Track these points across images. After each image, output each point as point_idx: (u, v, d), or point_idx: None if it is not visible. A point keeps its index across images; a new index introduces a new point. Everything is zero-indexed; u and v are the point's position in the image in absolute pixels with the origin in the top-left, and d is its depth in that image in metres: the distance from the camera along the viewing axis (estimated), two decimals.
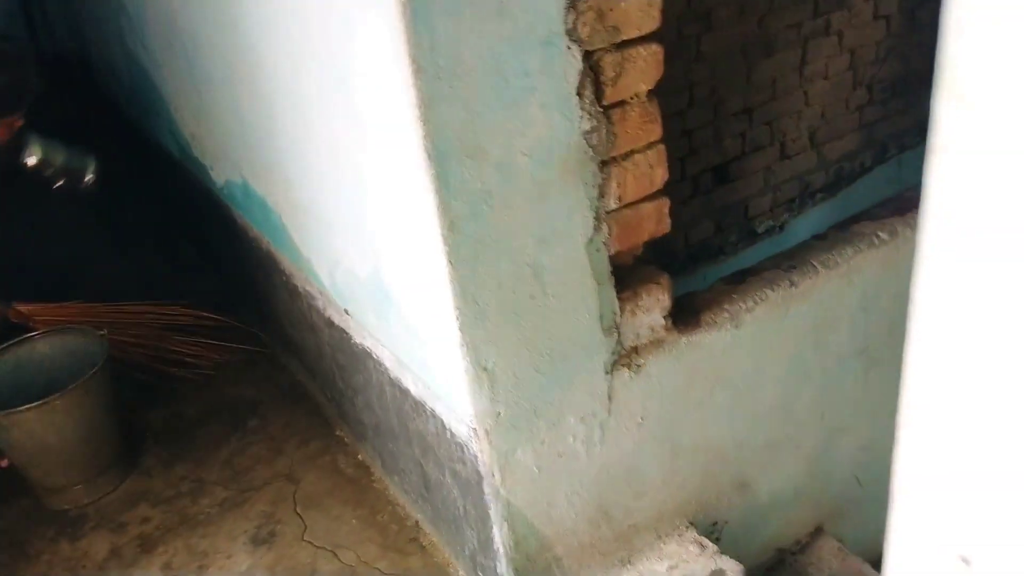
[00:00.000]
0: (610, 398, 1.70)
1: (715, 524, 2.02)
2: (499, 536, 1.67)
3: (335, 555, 2.01)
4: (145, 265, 3.40)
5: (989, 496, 0.67)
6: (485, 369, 1.52)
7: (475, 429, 1.58)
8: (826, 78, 3.37)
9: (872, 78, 3.46)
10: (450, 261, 1.42)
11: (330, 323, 2.14)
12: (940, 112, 0.58)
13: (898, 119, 3.68)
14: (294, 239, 2.19)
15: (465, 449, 1.64)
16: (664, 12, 1.51)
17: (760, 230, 3.60)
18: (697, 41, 2.91)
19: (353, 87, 1.49)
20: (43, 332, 2.37)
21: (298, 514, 2.15)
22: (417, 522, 2.07)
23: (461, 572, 1.94)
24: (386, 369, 1.90)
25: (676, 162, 2.97)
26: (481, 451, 1.59)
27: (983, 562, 0.68)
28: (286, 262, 2.33)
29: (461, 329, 1.47)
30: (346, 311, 2.04)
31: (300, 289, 2.27)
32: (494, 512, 1.65)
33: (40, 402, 2.08)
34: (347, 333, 2.05)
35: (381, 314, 1.84)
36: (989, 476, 0.66)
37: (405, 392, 1.84)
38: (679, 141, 3.02)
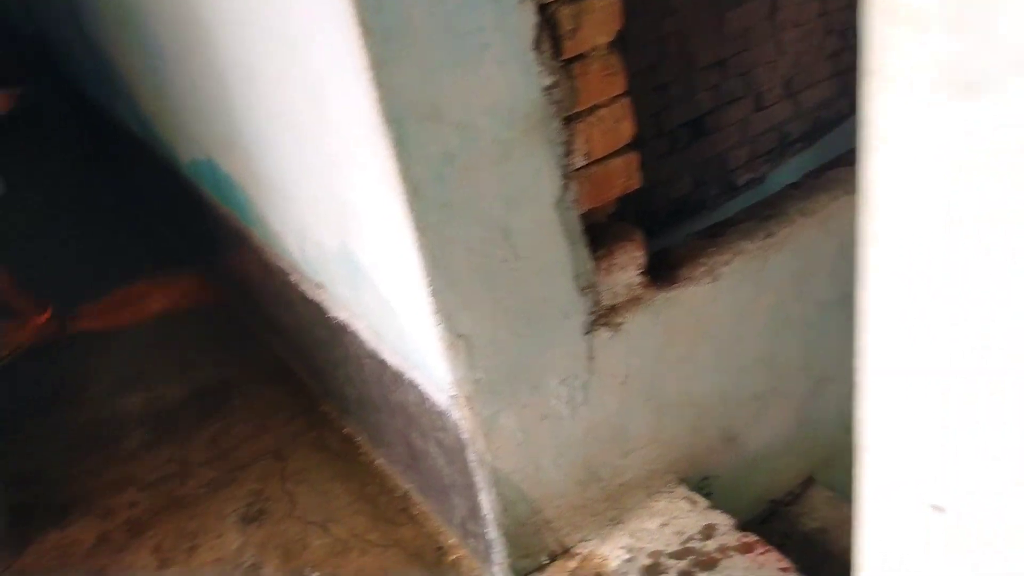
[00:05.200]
0: (591, 358, 1.68)
1: (705, 479, 2.01)
2: (487, 502, 1.66)
3: (326, 529, 2.00)
4: (120, 249, 3.36)
5: (961, 444, 0.65)
6: (460, 336, 1.49)
7: (455, 396, 1.56)
8: (798, 25, 3.32)
9: (845, 23, 3.40)
10: (416, 227, 1.39)
11: (305, 298, 2.11)
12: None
13: None
14: (263, 215, 2.16)
15: (446, 417, 1.63)
16: None
17: (740, 183, 3.57)
18: None
19: (303, 55, 1.45)
20: None
21: (287, 490, 2.14)
22: (406, 493, 2.06)
23: (452, 540, 1.94)
24: (362, 342, 1.88)
25: (650, 118, 2.93)
26: (463, 418, 1.57)
27: (956, 510, 0.66)
28: (257, 238, 2.30)
29: (433, 296, 1.44)
30: (319, 285, 2.01)
31: (273, 265, 2.24)
32: (480, 478, 1.64)
33: None
34: (322, 307, 2.03)
35: (354, 286, 1.82)
36: (960, 423, 0.64)
37: (383, 364, 1.82)
38: (652, 96, 2.97)
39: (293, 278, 2.14)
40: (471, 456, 1.62)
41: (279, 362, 2.60)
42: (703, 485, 2.03)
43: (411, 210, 1.37)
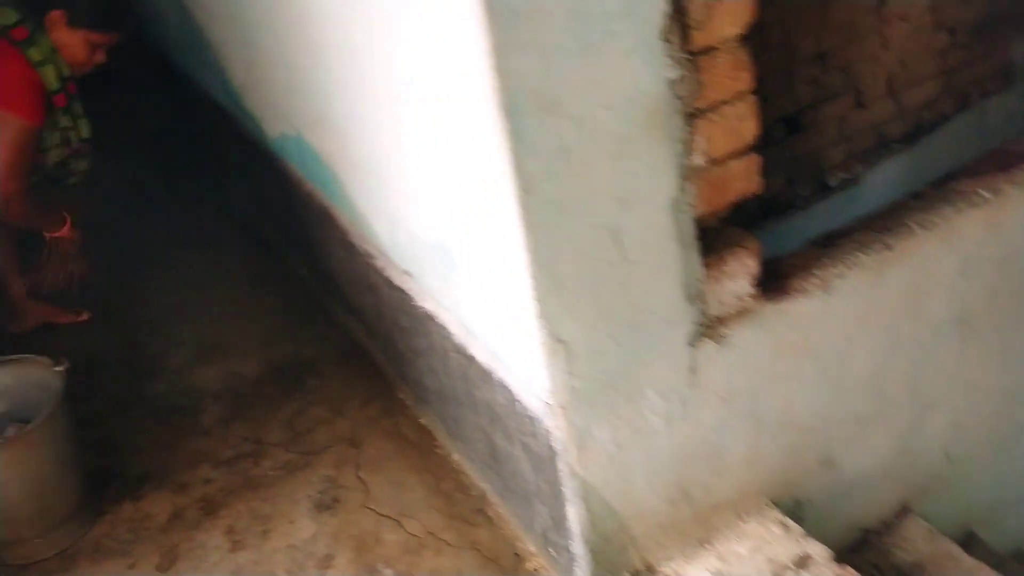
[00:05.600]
0: (692, 371, 1.58)
1: (797, 503, 1.90)
2: (573, 515, 1.58)
3: (400, 524, 1.95)
4: (196, 218, 3.36)
5: None
6: (561, 341, 1.41)
7: (549, 404, 1.48)
8: (905, 20, 3.13)
9: (955, 20, 3.19)
10: (525, 225, 1.31)
11: (390, 283, 2.05)
12: None
13: (981, 64, 3.41)
14: (351, 196, 2.10)
15: (537, 423, 1.55)
16: None
17: (833, 183, 3.40)
18: None
19: (414, 35, 1.37)
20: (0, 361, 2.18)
21: (361, 479, 2.09)
22: (483, 492, 1.99)
23: (531, 547, 1.87)
24: (450, 335, 1.81)
25: None
26: (556, 427, 1.49)
27: None
28: (343, 219, 2.24)
29: (536, 299, 1.36)
30: (406, 272, 1.95)
31: (358, 247, 2.18)
32: (568, 490, 1.56)
33: None
34: (408, 295, 1.96)
35: (446, 278, 1.75)
36: None
37: (471, 359, 1.75)
38: None
39: (378, 262, 2.08)
40: (561, 466, 1.54)
41: (355, 344, 2.56)
42: (795, 509, 1.91)
43: (521, 206, 1.29)
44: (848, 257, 1.73)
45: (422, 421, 2.24)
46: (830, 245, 1.77)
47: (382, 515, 1.99)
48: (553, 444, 1.53)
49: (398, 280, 2.00)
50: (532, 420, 1.56)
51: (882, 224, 1.81)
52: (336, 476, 2.12)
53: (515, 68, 1.20)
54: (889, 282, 1.80)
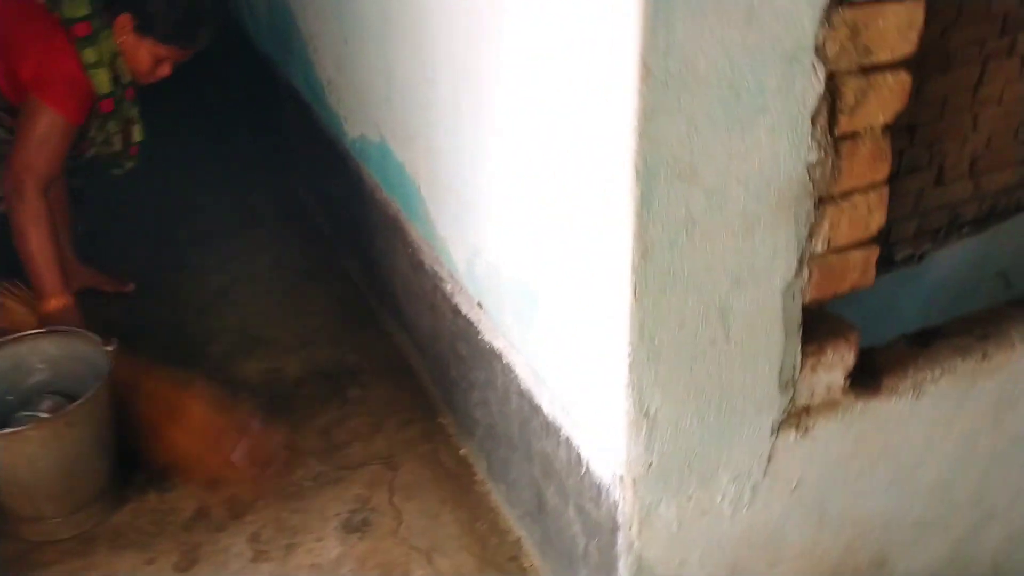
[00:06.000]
0: (769, 459, 1.51)
1: None
2: None
3: (430, 560, 1.88)
4: (254, 204, 3.32)
5: None
6: (647, 415, 1.34)
7: (621, 476, 1.41)
8: (999, 103, 3.04)
9: None
10: (634, 292, 1.24)
11: (456, 310, 1.99)
12: None
13: None
14: (430, 214, 2.04)
15: (602, 492, 1.48)
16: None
17: (899, 258, 3.31)
18: None
19: (554, 80, 1.30)
20: (49, 330, 2.11)
21: (394, 505, 2.02)
22: (519, 540, 1.92)
23: None
24: (516, 378, 1.74)
25: None
26: (623, 499, 1.42)
27: None
28: (415, 234, 2.18)
29: (630, 368, 1.29)
30: (478, 304, 1.88)
31: (427, 267, 2.12)
32: (623, 564, 1.49)
33: (9, 431, 1.86)
34: (475, 327, 1.90)
35: (522, 319, 1.68)
36: None
37: (536, 408, 1.68)
38: None
39: (447, 286, 2.02)
40: (620, 539, 1.46)
41: (401, 358, 2.49)
42: None
43: (634, 272, 1.22)
44: (945, 361, 1.65)
45: (462, 452, 2.17)
46: (927, 345, 1.69)
47: (413, 547, 1.92)
48: (616, 517, 1.45)
49: (466, 309, 1.93)
50: (597, 487, 1.49)
51: (982, 331, 1.73)
52: (369, 497, 2.05)
53: (659, 133, 1.14)
54: (980, 391, 1.72)
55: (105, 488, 2.05)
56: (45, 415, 2.03)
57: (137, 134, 2.47)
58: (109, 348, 2.03)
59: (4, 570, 1.93)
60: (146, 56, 2.27)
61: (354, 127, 2.46)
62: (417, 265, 2.18)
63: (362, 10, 2.11)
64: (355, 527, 1.98)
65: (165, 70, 2.33)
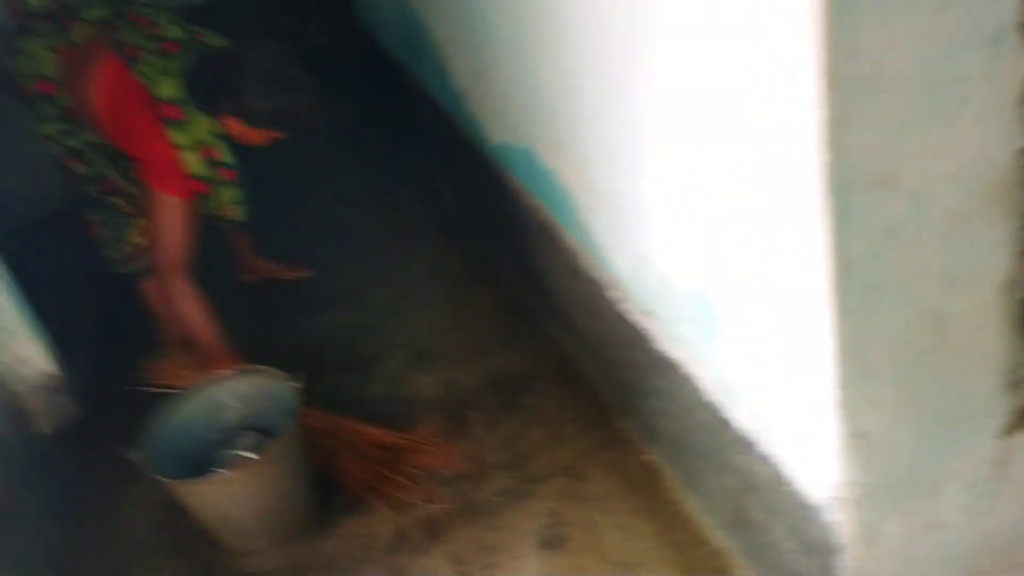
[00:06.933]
0: (1002, 463, 1.37)
1: None
2: None
3: (635, 574, 1.85)
4: (401, 211, 3.34)
5: None
6: (862, 434, 1.24)
7: (837, 496, 1.32)
8: None
9: None
10: (837, 310, 1.14)
11: (623, 319, 1.93)
12: None
13: None
14: (587, 222, 1.98)
15: (814, 513, 1.40)
16: None
17: None
18: None
19: (729, 95, 1.21)
20: (240, 370, 2.24)
21: (587, 518, 2.00)
22: (723, 550, 1.85)
23: None
24: (699, 390, 1.67)
25: None
26: (842, 521, 1.34)
27: None
28: (570, 241, 2.13)
29: (841, 388, 1.20)
30: (648, 312, 1.82)
31: (587, 274, 2.07)
32: None
33: (222, 475, 2.01)
34: (647, 336, 1.84)
35: (700, 332, 1.60)
36: None
37: (724, 422, 1.60)
38: None
39: (611, 294, 1.96)
40: (844, 561, 1.38)
41: (570, 363, 2.45)
42: None
43: (836, 289, 1.13)
44: None
45: (646, 459, 2.11)
46: None
47: (612, 562, 1.90)
48: (835, 538, 1.37)
49: (636, 318, 1.87)
50: (808, 508, 1.41)
51: None
52: (560, 511, 2.04)
53: (849, 142, 1.03)
54: None
55: (309, 516, 2.15)
56: (246, 453, 2.15)
57: (236, 212, 2.53)
58: (295, 385, 2.12)
59: None
60: (255, 133, 2.26)
61: (496, 134, 2.43)
62: (576, 272, 2.13)
63: (497, 18, 2.07)
64: (551, 543, 1.97)
65: (271, 136, 2.30)
